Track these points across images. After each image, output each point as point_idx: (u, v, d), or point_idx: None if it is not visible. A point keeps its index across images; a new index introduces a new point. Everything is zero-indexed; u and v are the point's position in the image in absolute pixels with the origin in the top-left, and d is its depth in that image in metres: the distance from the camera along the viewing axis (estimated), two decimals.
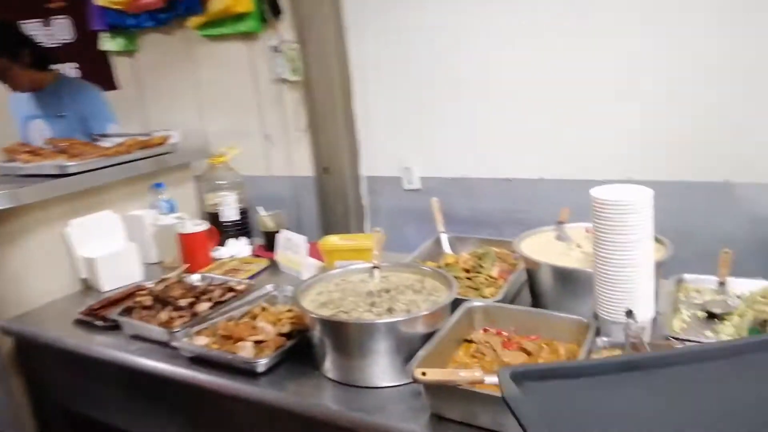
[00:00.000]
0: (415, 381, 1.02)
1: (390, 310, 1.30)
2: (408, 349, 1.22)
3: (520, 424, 0.70)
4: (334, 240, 1.93)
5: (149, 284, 1.78)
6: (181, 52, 3.07)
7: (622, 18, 2.22)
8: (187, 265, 1.94)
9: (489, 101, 2.53)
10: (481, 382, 1.05)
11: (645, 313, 1.26)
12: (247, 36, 2.80)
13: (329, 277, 1.49)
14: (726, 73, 2.11)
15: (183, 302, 1.56)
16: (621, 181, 2.37)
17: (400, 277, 1.49)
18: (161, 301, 1.58)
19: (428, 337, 1.24)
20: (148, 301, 1.59)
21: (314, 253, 1.95)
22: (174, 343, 1.41)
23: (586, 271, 1.39)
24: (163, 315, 1.52)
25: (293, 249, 1.92)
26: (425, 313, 1.22)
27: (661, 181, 2.30)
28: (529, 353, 1.27)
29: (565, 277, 1.45)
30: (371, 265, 1.52)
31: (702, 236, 2.22)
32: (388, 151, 2.78)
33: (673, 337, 1.28)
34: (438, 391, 1.05)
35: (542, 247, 1.59)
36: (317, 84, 2.62)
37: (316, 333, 1.29)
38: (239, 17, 2.64)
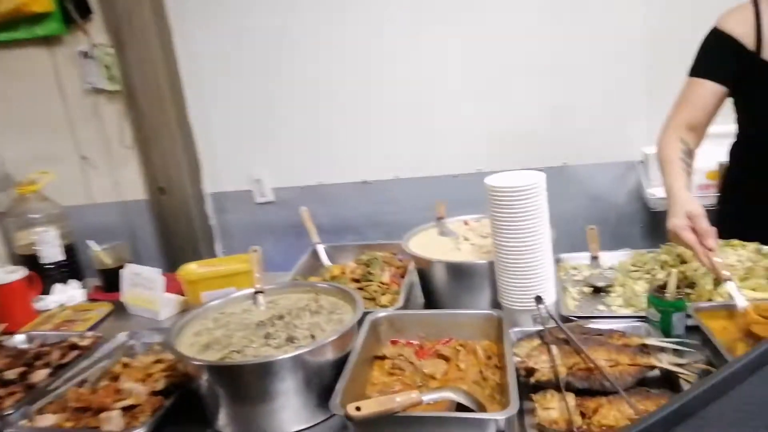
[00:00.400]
0: (350, 419, 0.87)
1: (291, 340, 1.12)
2: (319, 381, 1.06)
3: None
4: (194, 268, 1.67)
5: None
6: None
7: (461, 19, 2.29)
8: (4, 325, 1.53)
9: (338, 105, 2.45)
10: (420, 403, 0.93)
11: (550, 296, 1.25)
12: (49, 41, 2.36)
13: (205, 312, 1.26)
14: (557, 70, 2.29)
15: (11, 374, 1.20)
16: (471, 174, 2.48)
17: (289, 300, 1.31)
18: None
19: (339, 363, 1.08)
20: None
21: (170, 286, 1.67)
22: (9, 430, 1.07)
23: (482, 263, 1.35)
24: None
25: (145, 285, 1.62)
26: (335, 337, 1.07)
27: (508, 170, 2.42)
28: (447, 359, 1.19)
29: (461, 272, 1.39)
30: (252, 290, 1.32)
31: (552, 217, 2.38)
32: (235, 163, 2.55)
33: (575, 317, 1.29)
34: (374, 423, 0.91)
35: (429, 245, 1.53)
36: (142, 93, 2.29)
37: (204, 383, 1.06)
38: (36, 18, 2.20)
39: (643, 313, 1.30)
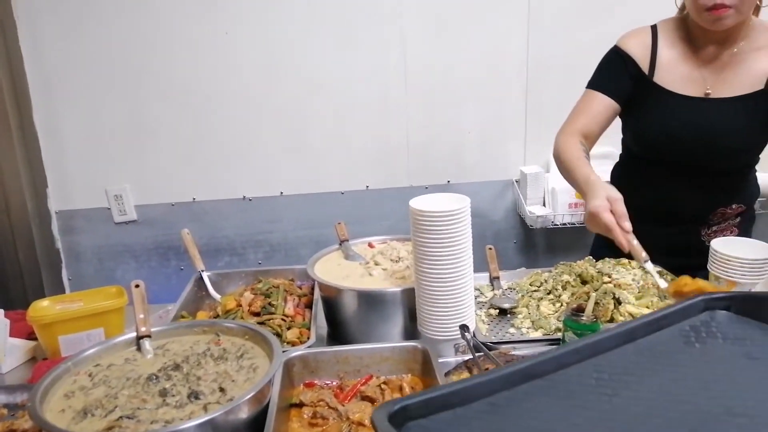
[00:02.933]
0: None
1: (195, 396, 0.93)
2: None
3: None
4: (48, 306, 1.37)
5: None
6: None
7: (346, 35, 2.21)
8: None
9: (217, 115, 2.24)
10: None
11: (472, 324, 1.20)
12: None
13: (77, 365, 1.01)
14: (443, 88, 2.30)
15: None
16: (359, 191, 2.41)
17: (183, 344, 1.11)
18: None
19: (255, 418, 0.92)
20: None
21: (13, 328, 1.35)
22: None
23: (396, 291, 1.27)
24: None
25: None
26: (254, 392, 0.90)
27: (395, 187, 2.39)
28: (372, 400, 1.07)
29: (374, 301, 1.29)
30: (134, 334, 1.10)
31: None
32: (90, 177, 2.20)
33: (493, 343, 1.25)
34: None
35: (336, 271, 1.41)
36: None
37: None
38: None
39: (553, 336, 1.31)
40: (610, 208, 1.19)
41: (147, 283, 2.42)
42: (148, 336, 1.09)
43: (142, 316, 1.10)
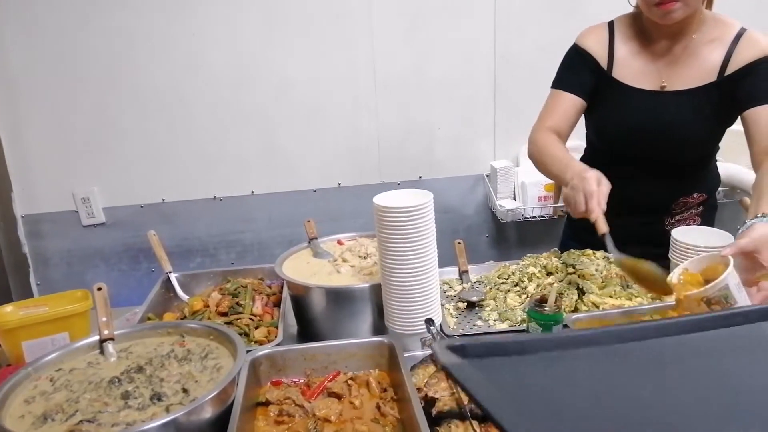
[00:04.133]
0: None
1: (158, 398, 0.93)
2: None
3: (477, 403, 0.52)
4: (10, 311, 1.35)
5: None
6: None
7: (316, 31, 2.21)
8: None
9: (183, 114, 2.22)
10: None
11: (437, 318, 1.21)
12: None
13: (38, 370, 1.00)
14: (415, 86, 2.32)
15: None
16: (331, 188, 2.41)
17: (147, 346, 1.10)
18: None
19: (219, 418, 0.92)
20: None
21: None
22: None
23: (364, 287, 1.28)
24: None
25: None
26: (216, 391, 0.90)
27: (367, 184, 2.40)
28: (339, 396, 1.08)
29: (342, 298, 1.30)
30: (98, 338, 1.09)
31: None
32: (56, 179, 2.17)
33: (459, 335, 1.27)
34: None
35: (304, 269, 1.41)
36: None
37: None
38: None
39: (518, 327, 1.32)
40: (600, 181, 1.22)
41: (117, 286, 2.39)
42: (111, 339, 1.08)
43: (104, 319, 1.09)
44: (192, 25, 2.11)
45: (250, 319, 1.32)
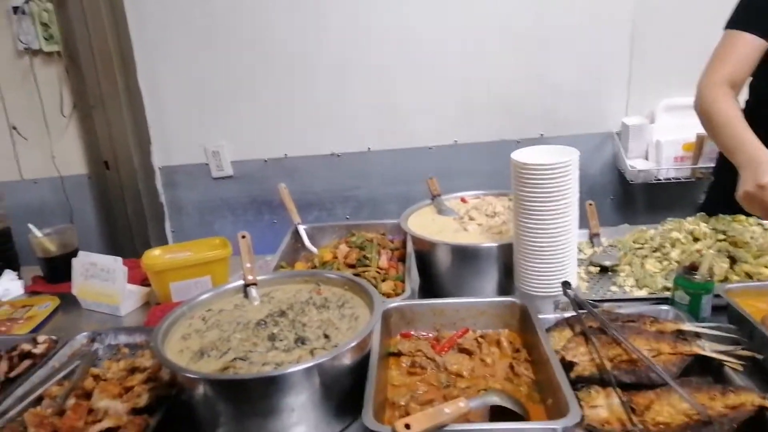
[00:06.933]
0: None
1: (301, 341, 0.97)
2: (338, 389, 0.92)
3: None
4: (159, 255, 1.46)
5: None
6: None
7: None
8: None
9: (307, 72, 2.25)
10: (468, 411, 0.81)
11: (574, 281, 1.16)
12: None
13: (191, 309, 1.08)
14: (536, 37, 2.19)
15: None
16: (447, 145, 2.36)
17: (286, 293, 1.15)
18: None
19: (357, 365, 0.95)
20: None
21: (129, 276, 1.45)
22: None
23: (492, 246, 1.24)
24: None
25: (102, 276, 1.40)
26: (358, 340, 0.92)
27: (485, 141, 2.33)
28: (469, 352, 1.07)
29: (468, 256, 1.28)
30: (242, 282, 1.15)
31: None
32: (189, 134, 2.30)
33: (594, 300, 1.20)
34: None
35: (429, 225, 1.40)
36: (85, 54, 2.00)
37: (201, 397, 0.89)
38: None
39: (659, 295, 1.24)
40: None
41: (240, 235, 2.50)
42: (255, 284, 1.13)
43: (248, 265, 1.15)
44: None
45: (377, 272, 1.33)
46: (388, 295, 1.25)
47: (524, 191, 1.07)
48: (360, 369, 0.94)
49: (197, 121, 2.27)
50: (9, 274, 1.60)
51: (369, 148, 2.35)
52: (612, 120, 2.28)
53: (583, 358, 0.99)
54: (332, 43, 2.20)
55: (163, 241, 2.44)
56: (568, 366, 0.98)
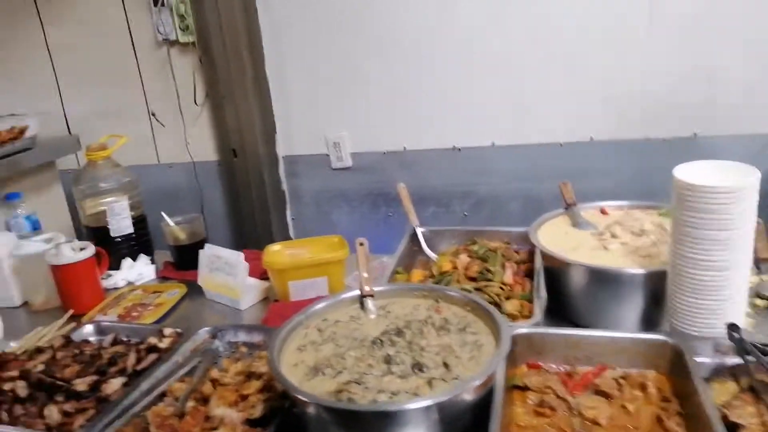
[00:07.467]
0: None
1: (419, 368, 0.89)
2: (458, 427, 0.84)
3: None
4: (280, 251, 1.47)
5: (15, 351, 1.21)
6: (22, 10, 2.31)
7: None
8: (69, 312, 1.39)
9: (428, 62, 2.15)
10: None
11: (741, 322, 0.98)
12: None
13: (308, 318, 1.05)
14: (689, 19, 1.91)
15: (81, 384, 1.03)
16: (582, 143, 2.16)
17: (403, 307, 1.08)
18: (45, 385, 1.04)
19: (479, 402, 0.85)
20: (21, 388, 1.04)
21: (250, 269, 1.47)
22: None
23: (639, 273, 1.08)
24: (53, 412, 0.98)
25: (225, 270, 1.43)
26: (483, 378, 0.83)
27: (626, 139, 2.10)
28: (608, 396, 0.94)
29: (610, 280, 1.13)
30: (358, 293, 1.10)
31: None
32: (312, 124, 2.31)
33: (763, 344, 1.01)
34: None
35: (563, 240, 1.26)
36: (217, 45, 2.06)
37: (313, 418, 0.85)
38: None
39: None
40: None
41: (357, 228, 2.50)
42: (371, 296, 1.08)
43: (366, 275, 1.10)
44: None
45: (501, 288, 1.23)
46: (513, 317, 1.14)
47: (689, 216, 0.91)
48: (482, 404, 0.85)
49: (319, 112, 2.27)
50: (143, 259, 1.69)
51: (493, 143, 2.22)
52: None
53: (751, 421, 0.83)
54: (457, 30, 2.08)
55: (284, 227, 2.49)
56: (731, 428, 0.83)
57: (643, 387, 0.95)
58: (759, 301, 1.19)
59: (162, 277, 1.66)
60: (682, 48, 1.94)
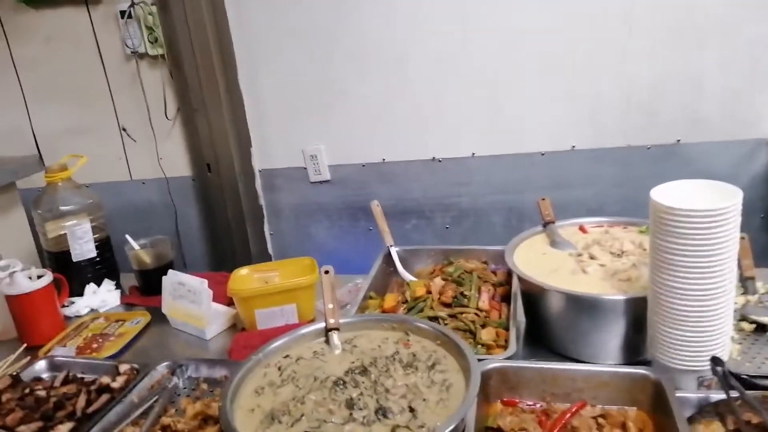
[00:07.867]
0: None
1: (382, 413, 0.83)
2: None
3: None
4: (248, 275, 1.40)
5: None
6: None
7: None
8: (23, 347, 1.31)
9: (405, 72, 2.09)
10: None
11: (725, 354, 0.92)
12: None
13: (268, 355, 0.98)
14: (673, 25, 1.87)
15: None
16: (564, 151, 2.12)
17: (371, 341, 1.02)
18: None
19: None
20: None
21: (218, 291, 1.40)
22: None
23: (619, 300, 1.03)
24: None
25: (189, 298, 1.36)
26: (452, 426, 0.76)
27: (608, 147, 2.05)
28: None
29: (588, 307, 1.07)
30: (323, 325, 1.03)
31: None
32: (288, 137, 2.24)
33: (750, 376, 0.95)
34: None
35: (541, 262, 1.20)
36: (187, 57, 1.99)
37: None
38: None
39: None
40: None
41: (337, 241, 2.43)
42: (337, 329, 1.02)
43: (331, 306, 1.03)
44: None
45: (476, 314, 1.17)
46: (488, 347, 1.08)
47: (667, 241, 0.85)
48: None
49: (296, 124, 2.21)
50: (107, 285, 1.62)
51: (473, 154, 2.16)
52: (766, 124, 1.92)
53: None
54: (431, 42, 2.03)
55: (262, 243, 2.42)
56: None
57: (623, 427, 0.89)
58: (746, 325, 1.13)
59: (127, 304, 1.59)
60: (662, 56, 1.90)
